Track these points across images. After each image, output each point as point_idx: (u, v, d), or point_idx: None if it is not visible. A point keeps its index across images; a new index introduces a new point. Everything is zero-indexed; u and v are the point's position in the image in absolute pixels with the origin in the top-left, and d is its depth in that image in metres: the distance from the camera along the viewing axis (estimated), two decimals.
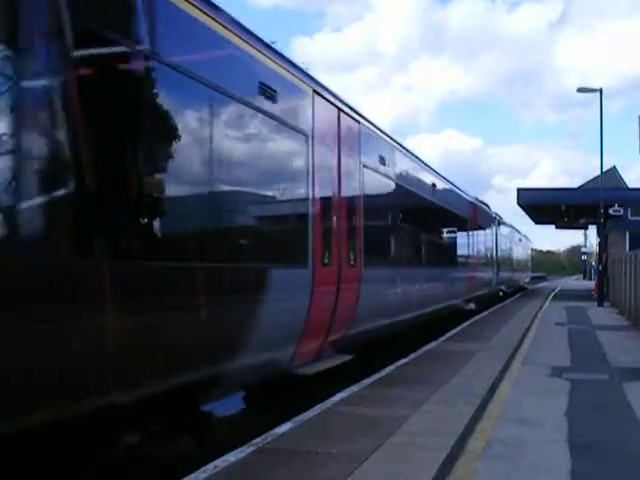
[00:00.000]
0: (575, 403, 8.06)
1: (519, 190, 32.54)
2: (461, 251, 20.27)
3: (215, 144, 5.98)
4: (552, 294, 39.22)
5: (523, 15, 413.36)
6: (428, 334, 14.69)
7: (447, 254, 18.24)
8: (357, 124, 9.84)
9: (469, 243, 21.62)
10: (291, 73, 7.57)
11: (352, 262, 9.28)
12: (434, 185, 15.71)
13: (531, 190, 34.06)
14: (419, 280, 13.67)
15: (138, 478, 5.54)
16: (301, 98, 7.96)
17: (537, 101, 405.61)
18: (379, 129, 11.27)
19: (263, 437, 6.33)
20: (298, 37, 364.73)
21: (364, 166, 9.96)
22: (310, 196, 8.01)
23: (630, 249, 28.46)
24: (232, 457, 5.71)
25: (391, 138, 12.16)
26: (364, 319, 9.88)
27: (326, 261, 8.34)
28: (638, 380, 9.69)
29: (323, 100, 8.53)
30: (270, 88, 6.86)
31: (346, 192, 9.20)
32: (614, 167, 42.05)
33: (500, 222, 32.13)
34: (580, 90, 28.28)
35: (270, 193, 7.44)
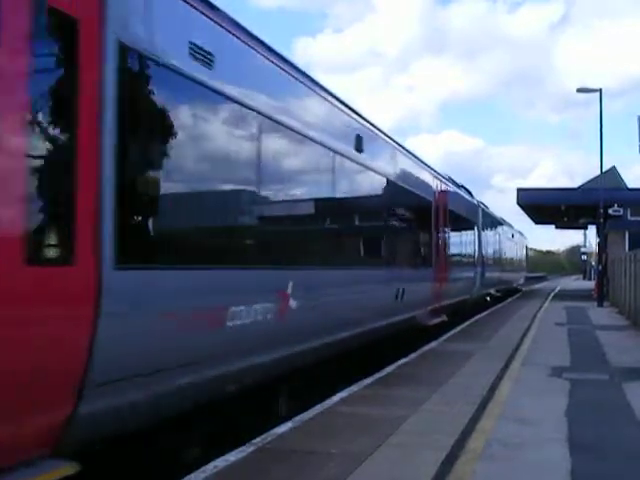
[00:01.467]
0: (575, 403, 8.06)
1: (519, 190, 32.62)
2: (421, 244, 14.95)
3: None
4: (552, 294, 39.22)
5: (524, 16, 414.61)
6: (427, 335, 14.69)
7: (392, 248, 12.26)
8: None
9: (435, 234, 15.73)
10: None
11: (61, 256, 4.08)
12: (360, 138, 9.92)
13: (531, 190, 34.14)
14: (330, 288, 8.51)
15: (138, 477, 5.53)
16: None
17: (538, 101, 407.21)
18: None
19: (263, 437, 6.32)
20: (301, 38, 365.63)
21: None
22: None
23: (630, 249, 28.43)
24: (232, 457, 5.71)
25: (252, 36, 6.63)
26: (138, 376, 4.75)
27: None
28: (638, 380, 9.70)
29: None
30: None
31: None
32: (614, 167, 41.98)
33: (486, 213, 26.59)
34: (580, 90, 28.35)
35: None
